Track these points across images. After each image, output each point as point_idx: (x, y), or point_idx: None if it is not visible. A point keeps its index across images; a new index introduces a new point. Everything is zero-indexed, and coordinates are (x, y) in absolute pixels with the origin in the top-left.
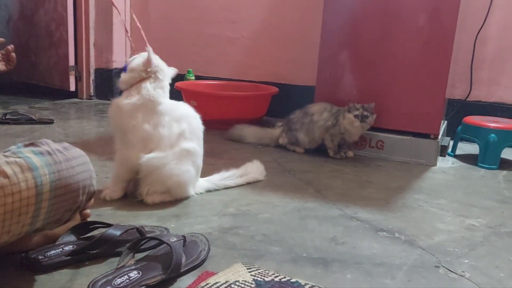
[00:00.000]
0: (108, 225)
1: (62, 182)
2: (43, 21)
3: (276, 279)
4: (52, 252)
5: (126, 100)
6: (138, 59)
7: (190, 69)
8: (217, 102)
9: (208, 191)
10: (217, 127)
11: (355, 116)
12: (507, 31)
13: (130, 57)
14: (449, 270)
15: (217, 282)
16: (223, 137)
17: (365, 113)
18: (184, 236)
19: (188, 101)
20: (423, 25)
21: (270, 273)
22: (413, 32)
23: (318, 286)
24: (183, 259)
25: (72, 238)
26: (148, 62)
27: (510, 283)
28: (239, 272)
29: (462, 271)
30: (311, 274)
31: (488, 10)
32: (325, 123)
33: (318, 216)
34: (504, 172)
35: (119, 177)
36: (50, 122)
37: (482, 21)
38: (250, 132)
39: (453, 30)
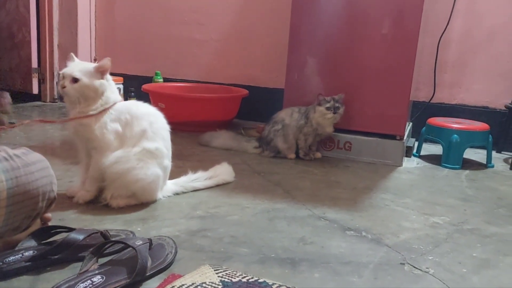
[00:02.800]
0: (71, 229)
1: (20, 188)
2: (4, 22)
3: (244, 280)
4: (11, 258)
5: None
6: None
7: (158, 71)
8: (186, 105)
9: (176, 194)
10: (186, 130)
11: (327, 108)
12: (468, 35)
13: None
14: (414, 267)
15: (183, 285)
16: (192, 139)
17: (337, 105)
18: (150, 239)
19: (155, 103)
20: (388, 30)
21: (237, 274)
22: (379, 37)
23: (285, 286)
24: (149, 263)
25: (33, 243)
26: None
27: (473, 278)
28: (206, 274)
29: (427, 268)
30: (279, 274)
31: (450, 15)
32: (297, 123)
33: (287, 216)
34: (467, 171)
35: (94, 177)
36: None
37: (445, 25)
38: (219, 142)
39: (416, 35)
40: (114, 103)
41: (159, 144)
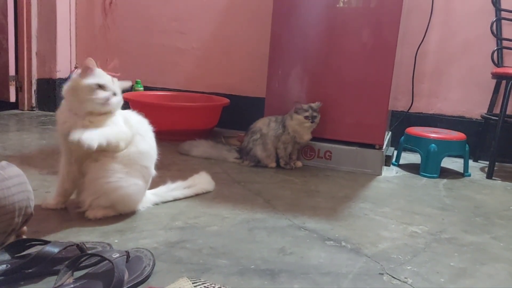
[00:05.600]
0: (46, 242)
1: None
2: None
3: None
4: None
5: None
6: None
7: (139, 80)
8: (167, 113)
9: (155, 204)
10: (166, 139)
11: (306, 117)
12: (444, 46)
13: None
14: (393, 277)
15: None
16: (172, 148)
17: (314, 114)
18: (127, 252)
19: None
20: (367, 40)
21: (216, 286)
22: (358, 47)
23: None
24: (126, 276)
25: (6, 256)
26: None
27: None
28: (184, 287)
29: (405, 278)
30: (258, 286)
31: (427, 28)
32: (275, 132)
33: (267, 227)
34: (444, 180)
35: (66, 189)
36: None
37: (422, 37)
38: (200, 151)
39: (394, 46)
40: None
41: (146, 146)
